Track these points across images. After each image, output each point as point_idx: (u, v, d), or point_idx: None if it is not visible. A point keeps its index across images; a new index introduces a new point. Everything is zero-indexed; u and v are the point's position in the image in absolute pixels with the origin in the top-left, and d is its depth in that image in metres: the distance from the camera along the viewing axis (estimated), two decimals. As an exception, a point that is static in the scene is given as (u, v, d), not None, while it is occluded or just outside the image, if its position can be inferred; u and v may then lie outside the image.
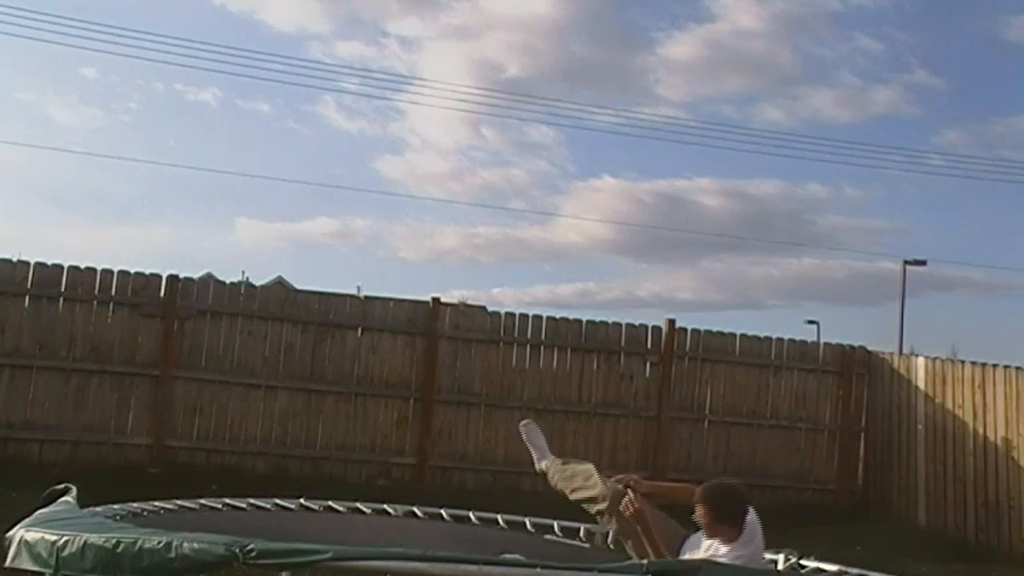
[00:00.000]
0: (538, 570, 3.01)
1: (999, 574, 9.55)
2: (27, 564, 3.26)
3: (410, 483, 10.54)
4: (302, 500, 5.14)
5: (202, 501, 4.81)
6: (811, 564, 4.61)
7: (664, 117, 53.35)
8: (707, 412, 11.81)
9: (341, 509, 5.00)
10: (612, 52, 46.95)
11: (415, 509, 5.21)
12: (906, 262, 30.20)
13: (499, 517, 5.24)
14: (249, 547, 2.82)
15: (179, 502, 4.65)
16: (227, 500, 4.90)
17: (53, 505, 3.70)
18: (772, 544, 4.65)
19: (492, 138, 49.86)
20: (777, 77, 46.83)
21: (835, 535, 9.22)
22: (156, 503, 4.51)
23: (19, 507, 4.01)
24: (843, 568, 4.53)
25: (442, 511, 5.22)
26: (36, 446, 9.78)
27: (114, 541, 3.00)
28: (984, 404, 10.71)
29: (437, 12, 44.99)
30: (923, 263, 30.44)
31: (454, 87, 72.69)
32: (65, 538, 3.10)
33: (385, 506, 5.24)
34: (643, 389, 11.62)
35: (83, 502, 3.93)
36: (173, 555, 2.89)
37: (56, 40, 39.87)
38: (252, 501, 4.92)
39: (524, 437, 5.34)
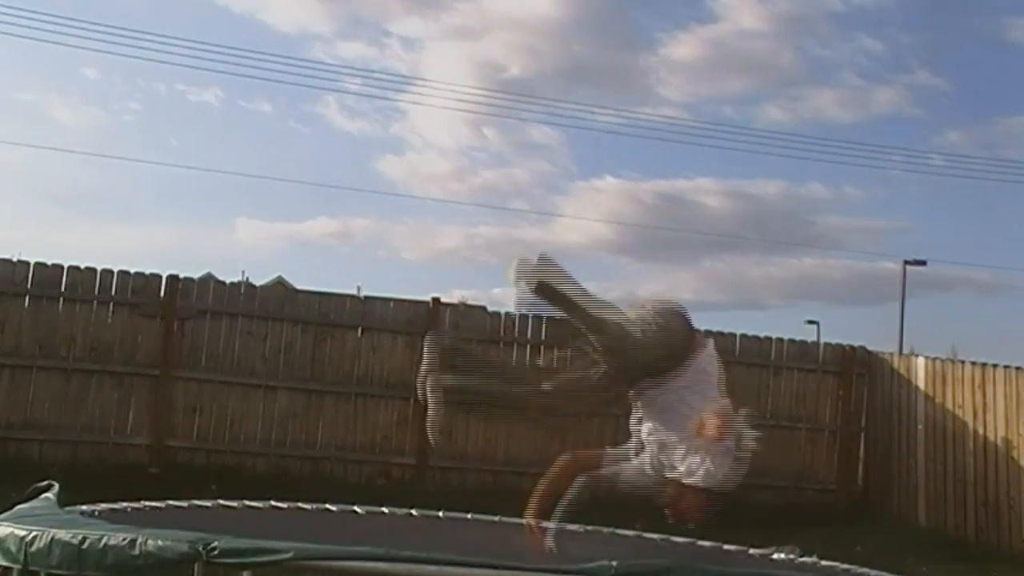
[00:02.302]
0: (503, 571, 2.99)
1: (999, 574, 9.53)
2: None
3: (410, 483, 10.52)
4: (299, 502, 5.13)
5: (195, 501, 4.79)
6: (811, 563, 4.61)
7: (666, 117, 53.38)
8: (707, 412, 11.78)
9: (335, 509, 4.98)
10: (614, 52, 46.96)
11: (412, 511, 5.19)
12: (906, 262, 30.14)
13: (497, 518, 5.22)
14: (212, 545, 2.82)
15: (170, 502, 4.64)
16: (221, 501, 4.88)
17: (33, 501, 3.68)
18: (773, 544, 4.66)
19: (493, 138, 49.85)
20: (779, 77, 46.84)
21: (835, 535, 9.20)
22: (146, 502, 4.50)
23: (18, 508, 3.99)
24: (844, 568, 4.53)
25: (440, 512, 5.20)
26: (36, 446, 9.78)
27: (80, 537, 2.99)
28: (984, 404, 10.69)
29: (439, 12, 45.11)
30: (923, 263, 30.39)
31: (456, 87, 72.68)
32: (34, 533, 3.09)
33: (383, 508, 5.22)
34: (643, 389, 11.58)
35: (83, 502, 3.91)
36: (137, 552, 2.89)
37: (57, 40, 39.86)
38: (247, 502, 4.90)
39: None
